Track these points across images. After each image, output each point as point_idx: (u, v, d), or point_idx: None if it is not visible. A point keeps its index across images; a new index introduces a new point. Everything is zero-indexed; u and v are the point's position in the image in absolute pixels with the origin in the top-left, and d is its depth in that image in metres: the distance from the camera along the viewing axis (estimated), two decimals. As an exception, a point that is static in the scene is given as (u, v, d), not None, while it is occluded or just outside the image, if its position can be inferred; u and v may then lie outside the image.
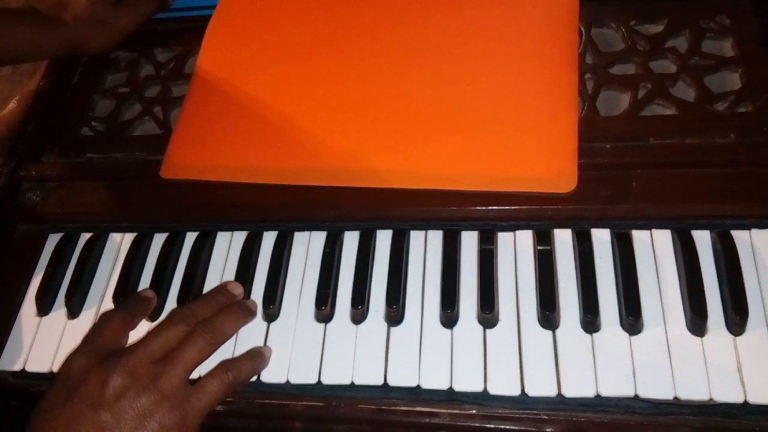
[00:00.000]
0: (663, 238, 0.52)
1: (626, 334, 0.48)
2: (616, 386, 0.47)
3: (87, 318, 0.57)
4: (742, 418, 0.45)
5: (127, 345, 0.52)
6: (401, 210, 0.56)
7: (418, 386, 0.49)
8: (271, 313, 0.54)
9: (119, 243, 0.61)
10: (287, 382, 0.51)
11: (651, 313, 0.49)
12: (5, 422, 0.58)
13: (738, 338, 0.47)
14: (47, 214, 0.62)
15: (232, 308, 0.53)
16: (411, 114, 0.58)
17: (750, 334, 0.47)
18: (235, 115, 0.62)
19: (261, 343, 0.53)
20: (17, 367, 0.56)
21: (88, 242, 0.61)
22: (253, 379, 0.51)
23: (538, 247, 0.53)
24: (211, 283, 0.57)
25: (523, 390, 0.48)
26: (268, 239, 0.58)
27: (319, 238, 0.57)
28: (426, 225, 0.56)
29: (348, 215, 0.57)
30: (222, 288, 0.55)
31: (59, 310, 0.58)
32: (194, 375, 0.50)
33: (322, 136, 0.59)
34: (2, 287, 0.61)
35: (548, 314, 0.49)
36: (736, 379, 0.46)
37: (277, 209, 0.58)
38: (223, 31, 0.68)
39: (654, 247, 0.52)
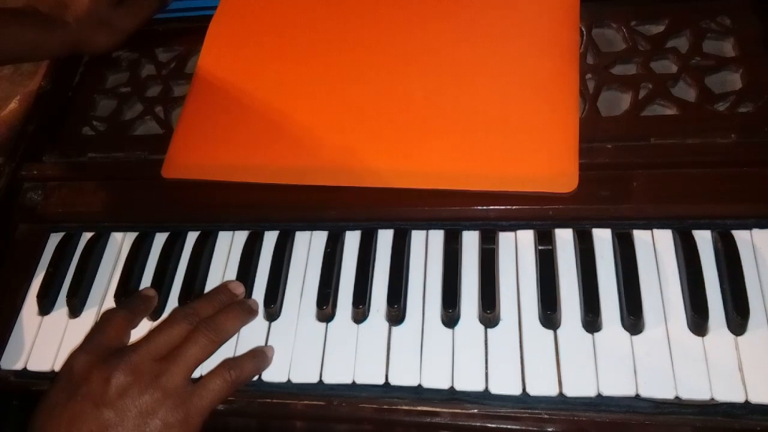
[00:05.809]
0: (664, 237, 0.52)
1: (627, 334, 0.48)
2: (617, 386, 0.47)
3: (88, 317, 0.57)
4: (744, 417, 0.45)
5: (128, 344, 0.52)
6: (402, 210, 0.56)
7: (420, 386, 0.49)
8: (273, 313, 0.54)
9: (120, 242, 0.61)
10: (288, 381, 0.51)
11: (652, 312, 0.49)
12: (7, 421, 0.58)
13: (739, 338, 0.47)
14: (48, 214, 0.62)
15: (233, 307, 0.53)
16: (412, 114, 0.58)
17: (751, 333, 0.47)
18: (237, 114, 0.62)
19: (262, 343, 0.53)
20: (19, 366, 0.56)
21: (90, 242, 0.61)
22: (255, 378, 0.51)
23: (539, 247, 0.53)
24: (212, 282, 0.57)
25: (524, 389, 0.48)
26: (270, 239, 0.58)
27: (320, 237, 0.57)
28: (427, 225, 0.56)
29: (349, 215, 0.57)
30: (223, 287, 0.55)
31: (60, 310, 0.58)
32: (195, 374, 0.50)
33: (323, 136, 0.59)
34: (3, 286, 0.61)
35: (549, 314, 0.49)
36: (738, 378, 0.46)
37: (279, 209, 0.58)
38: (225, 31, 0.68)
39: (655, 247, 0.52)
